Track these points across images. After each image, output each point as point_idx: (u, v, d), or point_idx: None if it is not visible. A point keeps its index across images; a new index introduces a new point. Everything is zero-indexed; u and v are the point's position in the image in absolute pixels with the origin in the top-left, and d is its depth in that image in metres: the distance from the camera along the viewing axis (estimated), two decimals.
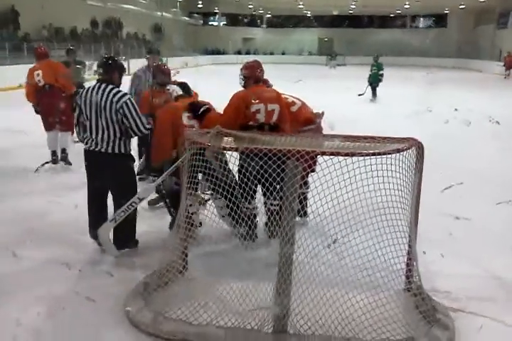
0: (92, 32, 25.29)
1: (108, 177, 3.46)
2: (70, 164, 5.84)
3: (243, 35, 41.92)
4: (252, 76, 3.84)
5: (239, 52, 38.32)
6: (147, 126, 3.51)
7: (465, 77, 25.66)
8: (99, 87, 3.42)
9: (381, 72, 13.26)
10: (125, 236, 3.51)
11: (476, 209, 4.60)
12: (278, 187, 2.89)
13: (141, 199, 3.34)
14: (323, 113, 4.16)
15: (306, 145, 3.05)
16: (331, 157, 2.61)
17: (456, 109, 10.27)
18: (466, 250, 3.72)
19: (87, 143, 3.48)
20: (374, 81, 13.33)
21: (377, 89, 13.43)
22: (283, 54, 38.56)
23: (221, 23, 43.33)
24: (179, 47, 31.84)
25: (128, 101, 3.39)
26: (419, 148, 2.81)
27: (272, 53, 38.86)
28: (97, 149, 3.43)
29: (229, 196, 3.09)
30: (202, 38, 38.28)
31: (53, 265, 3.34)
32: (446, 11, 37.55)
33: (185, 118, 3.71)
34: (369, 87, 13.36)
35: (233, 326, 2.59)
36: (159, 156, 3.74)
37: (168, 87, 4.26)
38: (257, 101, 3.67)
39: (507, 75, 24.66)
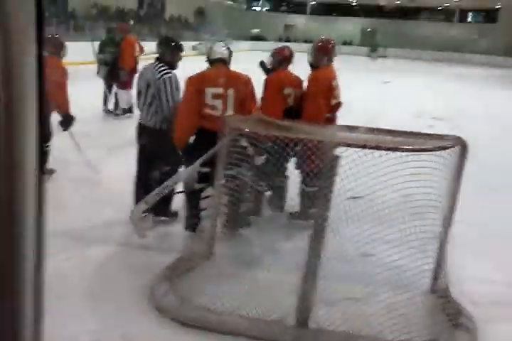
0: (136, 12, 25.48)
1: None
2: None
3: (285, 21, 41.43)
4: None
5: (279, 39, 37.97)
6: None
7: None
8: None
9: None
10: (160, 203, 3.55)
11: None
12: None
13: (175, 183, 3.33)
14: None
15: (347, 137, 3.04)
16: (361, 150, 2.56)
17: None
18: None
19: None
20: None
21: None
22: None
23: (264, 9, 42.94)
24: (221, 32, 31.75)
25: None
26: (463, 146, 2.74)
27: (311, 41, 38.31)
28: None
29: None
30: (244, 23, 38.04)
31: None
32: (498, 6, 36.07)
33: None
34: None
35: (255, 317, 2.60)
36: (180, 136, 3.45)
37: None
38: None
39: None
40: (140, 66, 6.21)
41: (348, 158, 2.56)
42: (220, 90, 3.34)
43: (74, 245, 3.38)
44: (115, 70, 7.43)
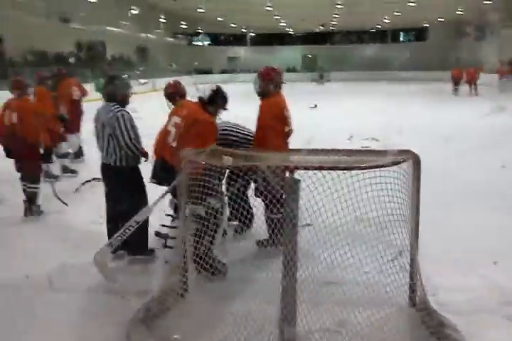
0: (76, 55, 25.28)
1: None
2: None
3: (228, 54, 42.34)
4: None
5: (224, 72, 38.64)
6: None
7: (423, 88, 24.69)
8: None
9: None
10: (135, 241, 3.50)
11: None
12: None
13: (138, 223, 3.26)
14: None
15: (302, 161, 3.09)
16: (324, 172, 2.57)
17: None
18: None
19: None
20: None
21: None
22: None
23: (205, 43, 43.74)
24: (165, 68, 31.99)
25: None
26: (416, 160, 2.81)
27: (256, 71, 39.15)
28: None
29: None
30: (187, 59, 38.50)
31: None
32: (425, 25, 38.26)
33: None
34: None
35: None
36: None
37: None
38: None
39: (455, 90, 20.60)
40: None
41: (308, 181, 2.57)
42: (178, 120, 3.53)
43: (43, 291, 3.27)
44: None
